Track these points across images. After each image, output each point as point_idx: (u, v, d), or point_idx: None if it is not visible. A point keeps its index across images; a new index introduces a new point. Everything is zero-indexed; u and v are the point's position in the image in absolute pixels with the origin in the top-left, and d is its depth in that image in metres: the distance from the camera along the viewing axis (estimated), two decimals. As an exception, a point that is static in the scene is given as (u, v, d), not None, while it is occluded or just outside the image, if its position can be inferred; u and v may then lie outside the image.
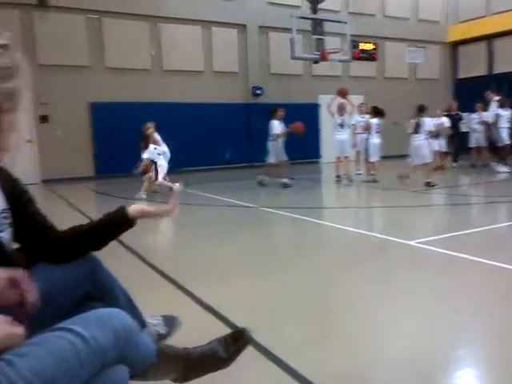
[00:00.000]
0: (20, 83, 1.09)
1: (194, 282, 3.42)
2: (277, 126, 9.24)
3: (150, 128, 9.04)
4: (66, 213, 6.77)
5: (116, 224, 1.51)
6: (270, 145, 9.37)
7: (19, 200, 1.40)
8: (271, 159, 9.45)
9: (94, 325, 1.14)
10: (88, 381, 1.07)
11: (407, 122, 9.38)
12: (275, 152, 9.33)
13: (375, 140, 9.66)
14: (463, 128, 12.27)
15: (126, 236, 4.92)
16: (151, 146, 8.71)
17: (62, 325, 1.12)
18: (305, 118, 12.31)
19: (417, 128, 8.78)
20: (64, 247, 1.46)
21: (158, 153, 8.74)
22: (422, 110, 8.83)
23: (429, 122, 9.02)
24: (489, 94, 11.73)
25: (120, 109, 12.67)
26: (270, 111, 9.56)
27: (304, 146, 15.38)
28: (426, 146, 8.76)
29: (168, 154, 9.18)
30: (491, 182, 9.51)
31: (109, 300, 1.51)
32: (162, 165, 8.74)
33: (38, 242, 1.43)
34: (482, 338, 2.44)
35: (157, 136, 9.19)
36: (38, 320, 1.14)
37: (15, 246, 1.42)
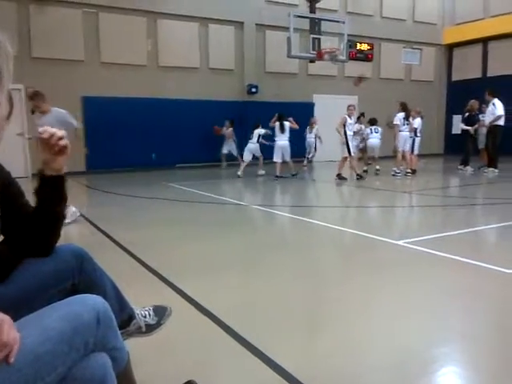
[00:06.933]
0: (3, 63, 1.05)
1: (181, 277, 3.45)
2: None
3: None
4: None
5: (44, 185, 1.44)
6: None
7: (8, 192, 1.41)
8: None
9: (76, 304, 1.17)
10: (70, 366, 1.09)
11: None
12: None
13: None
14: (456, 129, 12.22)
15: (115, 232, 4.91)
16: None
17: (44, 308, 1.15)
18: (299, 117, 12.38)
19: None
20: (35, 230, 1.44)
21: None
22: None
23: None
24: (487, 95, 11.27)
25: (113, 104, 12.65)
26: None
27: (296, 145, 15.46)
28: None
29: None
30: (484, 184, 9.61)
31: (96, 292, 1.52)
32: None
33: (25, 234, 1.44)
34: (466, 337, 2.48)
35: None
36: (25, 314, 1.16)
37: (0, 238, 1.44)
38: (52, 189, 1.45)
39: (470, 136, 11.59)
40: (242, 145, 14.63)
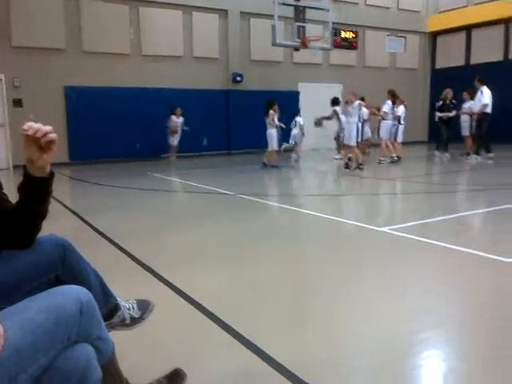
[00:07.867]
0: None
1: (168, 268, 3.44)
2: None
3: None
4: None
5: (29, 185, 1.39)
6: None
7: None
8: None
9: (58, 295, 1.15)
10: (53, 357, 1.08)
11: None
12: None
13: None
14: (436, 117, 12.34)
15: (100, 223, 4.85)
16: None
17: (26, 300, 1.13)
18: (285, 105, 12.36)
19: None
20: (15, 225, 1.42)
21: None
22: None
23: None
24: (476, 82, 11.15)
25: (96, 94, 12.46)
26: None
27: (283, 133, 15.45)
28: None
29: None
30: (467, 171, 9.73)
31: (80, 283, 1.51)
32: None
33: (4, 228, 1.41)
34: (449, 321, 2.53)
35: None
36: (7, 306, 1.14)
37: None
38: (36, 189, 1.39)
39: (442, 123, 11.94)
40: (232, 135, 14.63)
